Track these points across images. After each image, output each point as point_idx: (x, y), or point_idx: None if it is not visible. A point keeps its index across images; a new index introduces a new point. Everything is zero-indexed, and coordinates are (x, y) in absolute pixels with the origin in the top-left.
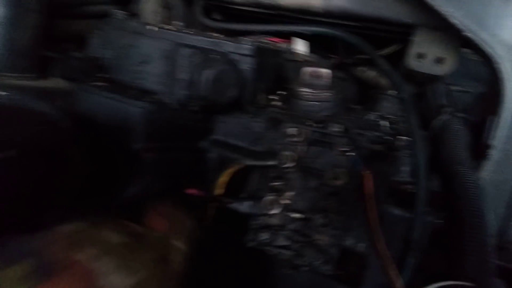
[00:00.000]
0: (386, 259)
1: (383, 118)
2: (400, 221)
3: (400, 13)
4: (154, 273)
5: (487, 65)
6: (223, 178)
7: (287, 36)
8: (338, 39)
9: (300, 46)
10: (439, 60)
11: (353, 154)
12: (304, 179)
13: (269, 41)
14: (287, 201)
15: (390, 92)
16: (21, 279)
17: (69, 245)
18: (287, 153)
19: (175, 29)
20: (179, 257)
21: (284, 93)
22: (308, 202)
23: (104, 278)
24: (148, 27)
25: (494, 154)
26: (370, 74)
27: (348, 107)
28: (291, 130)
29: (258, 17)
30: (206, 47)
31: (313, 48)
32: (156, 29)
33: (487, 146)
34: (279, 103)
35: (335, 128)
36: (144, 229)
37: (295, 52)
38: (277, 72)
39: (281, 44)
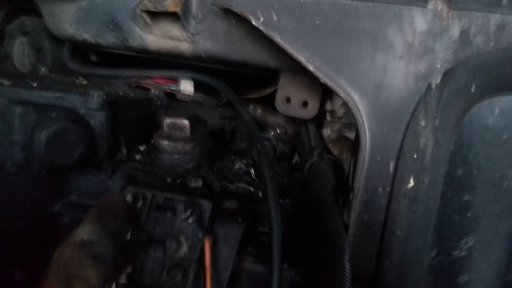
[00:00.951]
0: None
1: (252, 166)
2: (260, 278)
3: (264, 58)
4: None
5: (348, 108)
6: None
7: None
8: (205, 84)
9: (186, 87)
10: (304, 104)
11: (195, 220)
12: (144, 250)
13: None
14: (124, 280)
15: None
16: None
17: None
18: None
19: (9, 84)
20: None
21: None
22: (148, 277)
23: None
24: None
25: (359, 195)
26: (257, 112)
27: (216, 156)
28: (129, 198)
29: (135, 59)
30: (47, 103)
31: (201, 89)
32: None
33: (348, 189)
34: (140, 158)
35: (194, 183)
36: None
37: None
38: (144, 120)
39: (152, 91)
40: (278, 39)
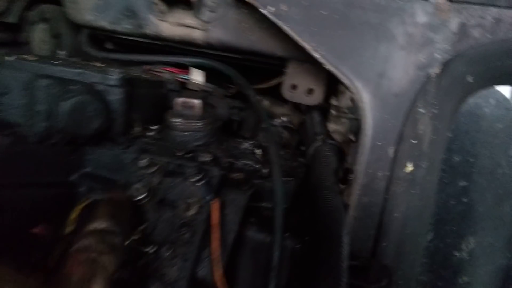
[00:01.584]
0: None
1: (257, 146)
2: (263, 246)
3: (272, 47)
4: None
5: (351, 95)
6: (72, 215)
7: (185, 66)
8: (216, 70)
9: (197, 76)
10: (309, 91)
11: (204, 184)
12: (156, 211)
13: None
14: (138, 236)
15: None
16: None
17: None
18: (137, 185)
19: (35, 59)
20: None
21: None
22: (159, 235)
23: None
24: (6, 57)
25: (359, 178)
26: (264, 103)
27: (223, 137)
28: (144, 162)
29: (149, 47)
30: (68, 77)
31: (213, 79)
32: (16, 60)
33: (349, 171)
34: (153, 134)
35: (204, 157)
36: (61, 274)
37: (184, 80)
38: (158, 102)
39: (165, 74)
40: (286, 28)
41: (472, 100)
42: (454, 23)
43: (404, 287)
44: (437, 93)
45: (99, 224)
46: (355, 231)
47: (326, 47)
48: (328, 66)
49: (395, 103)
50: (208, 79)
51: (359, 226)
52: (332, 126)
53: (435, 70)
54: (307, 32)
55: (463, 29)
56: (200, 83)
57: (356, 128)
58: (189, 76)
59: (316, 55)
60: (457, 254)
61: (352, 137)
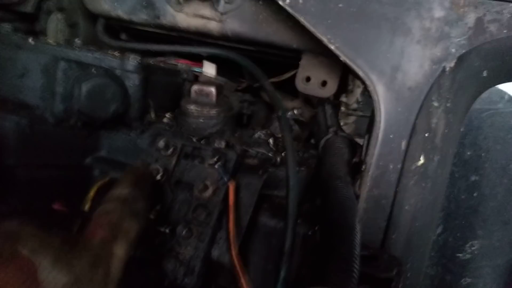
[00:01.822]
0: (239, 270)
1: (271, 136)
2: (275, 232)
3: (288, 39)
4: (90, 276)
5: (365, 87)
6: (90, 193)
7: (198, 59)
8: (232, 61)
9: (209, 69)
10: (323, 84)
11: (220, 166)
12: (173, 192)
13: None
14: (154, 216)
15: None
16: None
17: (9, 237)
18: (155, 166)
19: (55, 43)
20: (117, 264)
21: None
22: (175, 215)
23: (44, 273)
24: (29, 40)
25: (370, 170)
26: None
27: (238, 126)
28: (161, 144)
29: (164, 38)
30: (87, 62)
31: (224, 73)
32: (36, 42)
33: (361, 162)
34: (167, 121)
35: (218, 144)
36: (82, 236)
37: (198, 72)
38: (172, 90)
39: (180, 64)
40: (303, 20)
41: (486, 95)
42: (470, 18)
43: (412, 279)
44: (452, 87)
45: (122, 190)
46: (365, 223)
47: (341, 40)
48: (343, 58)
49: (409, 96)
50: (219, 72)
51: (369, 218)
52: (341, 122)
53: (450, 64)
54: (323, 25)
55: (479, 24)
56: (212, 76)
57: (363, 125)
58: (201, 69)
59: (331, 47)
60: (466, 248)
61: (359, 134)
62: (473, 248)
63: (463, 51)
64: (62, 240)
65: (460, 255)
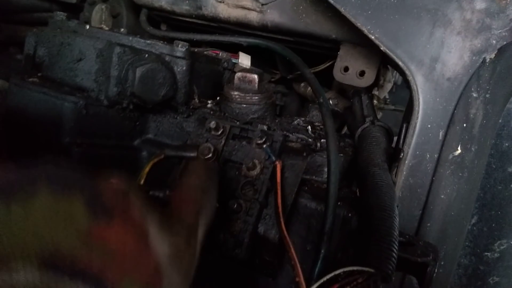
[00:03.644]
0: (289, 241)
1: (309, 123)
2: (315, 213)
3: (327, 29)
4: (184, 253)
5: (403, 77)
6: (146, 168)
7: (235, 51)
8: (271, 51)
9: (244, 60)
10: (361, 73)
11: (268, 146)
12: (222, 170)
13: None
14: None
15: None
16: (78, 215)
17: (119, 193)
18: (206, 144)
19: (109, 29)
20: (198, 246)
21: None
22: (225, 191)
23: (153, 239)
24: (86, 26)
25: (407, 159)
26: (308, 89)
27: (278, 113)
28: (212, 124)
29: (202, 30)
30: (139, 47)
31: (258, 64)
32: (92, 28)
33: (399, 150)
34: (211, 106)
35: (260, 128)
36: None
37: (235, 63)
38: (214, 78)
39: (221, 54)
40: (343, 10)
41: None
42: None
43: (446, 268)
44: (491, 78)
45: (198, 178)
46: (400, 211)
47: (381, 30)
48: (383, 48)
49: (447, 87)
50: (253, 64)
51: (404, 206)
52: None
53: (490, 56)
54: (363, 15)
55: None
56: (247, 67)
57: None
58: (237, 60)
59: (371, 37)
60: (501, 240)
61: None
62: (508, 239)
63: (504, 42)
64: (161, 208)
65: (494, 244)
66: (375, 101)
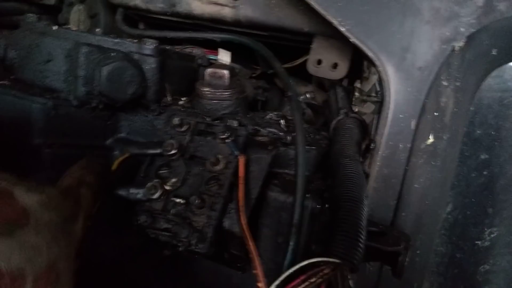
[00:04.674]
0: (247, 234)
1: (282, 117)
2: (285, 206)
3: (299, 22)
4: (61, 200)
5: (375, 68)
6: (112, 167)
7: (213, 48)
8: (245, 46)
9: (224, 56)
10: (334, 66)
11: (231, 141)
12: (187, 166)
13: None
14: (170, 187)
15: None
16: None
17: None
18: (170, 141)
19: (76, 29)
20: (86, 201)
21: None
22: (189, 187)
23: (19, 193)
24: (53, 27)
25: (380, 150)
26: None
27: (260, 108)
28: (176, 120)
29: (179, 27)
30: (107, 46)
31: (239, 61)
32: (60, 29)
33: (371, 141)
34: (183, 103)
35: (231, 123)
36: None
37: (211, 59)
38: (188, 75)
39: (195, 50)
40: (313, 3)
41: (495, 73)
42: None
43: (422, 256)
44: (461, 66)
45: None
46: (375, 201)
47: (352, 22)
48: (353, 39)
49: (418, 76)
50: (234, 60)
51: (379, 196)
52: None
53: (459, 44)
54: (334, 7)
55: (488, 3)
56: (226, 63)
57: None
58: (217, 57)
59: (342, 29)
60: (476, 227)
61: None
62: (482, 226)
63: (473, 30)
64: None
65: (469, 232)
66: (357, 94)
